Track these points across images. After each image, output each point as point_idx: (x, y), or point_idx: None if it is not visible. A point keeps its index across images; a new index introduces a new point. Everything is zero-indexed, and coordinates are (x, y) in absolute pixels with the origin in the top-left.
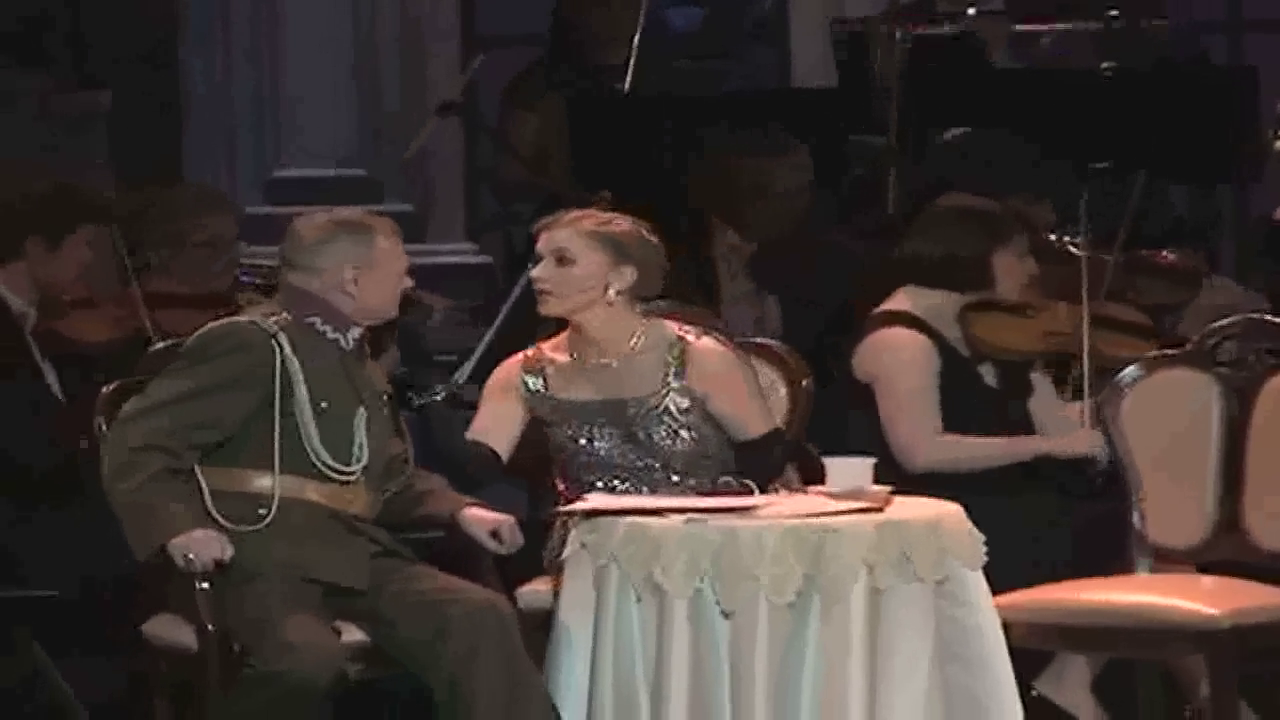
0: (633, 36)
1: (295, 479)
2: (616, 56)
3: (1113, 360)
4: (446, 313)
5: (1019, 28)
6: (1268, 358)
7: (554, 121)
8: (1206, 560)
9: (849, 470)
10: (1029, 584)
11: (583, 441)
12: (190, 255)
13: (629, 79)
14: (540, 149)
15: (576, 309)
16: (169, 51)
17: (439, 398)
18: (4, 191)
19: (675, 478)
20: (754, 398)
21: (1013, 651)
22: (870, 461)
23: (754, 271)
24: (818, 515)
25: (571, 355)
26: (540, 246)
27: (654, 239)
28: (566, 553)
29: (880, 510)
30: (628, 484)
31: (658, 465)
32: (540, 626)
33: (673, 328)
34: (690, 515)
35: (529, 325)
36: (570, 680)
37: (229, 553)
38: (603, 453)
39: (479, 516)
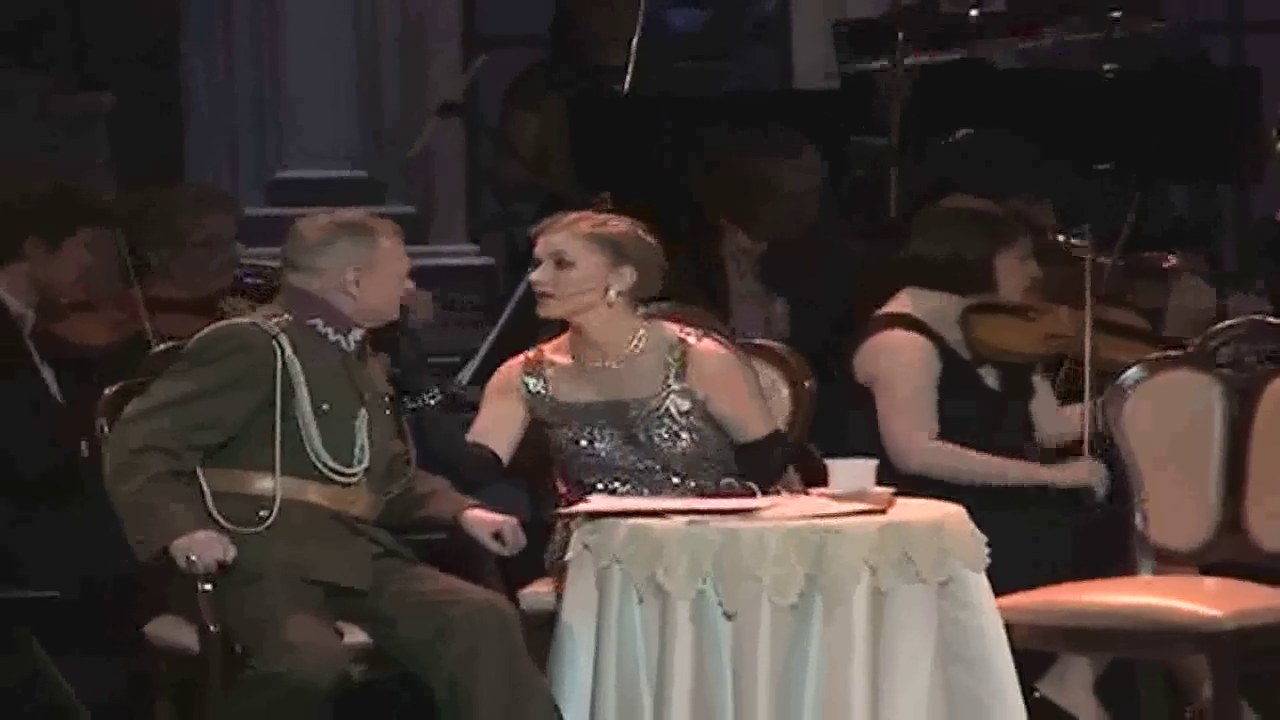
0: (633, 37)
1: (296, 480)
2: (617, 57)
3: (1112, 364)
4: (438, 312)
5: (1021, 45)
6: (1269, 359)
7: (555, 122)
8: (1209, 561)
9: (851, 472)
10: (1031, 585)
11: (583, 443)
12: (189, 255)
13: (628, 80)
14: (541, 149)
15: (577, 311)
16: (170, 52)
17: (431, 401)
18: (3, 193)
19: (675, 479)
20: (754, 399)
21: (1015, 653)
22: (873, 463)
23: (762, 272)
24: (820, 516)
25: (572, 357)
26: (539, 250)
27: (651, 239)
28: (569, 554)
29: (883, 512)
30: (628, 486)
31: (658, 467)
32: (543, 628)
33: (673, 329)
34: (692, 517)
35: (531, 327)
36: (574, 682)
37: (231, 554)
38: (603, 454)
39: (481, 518)
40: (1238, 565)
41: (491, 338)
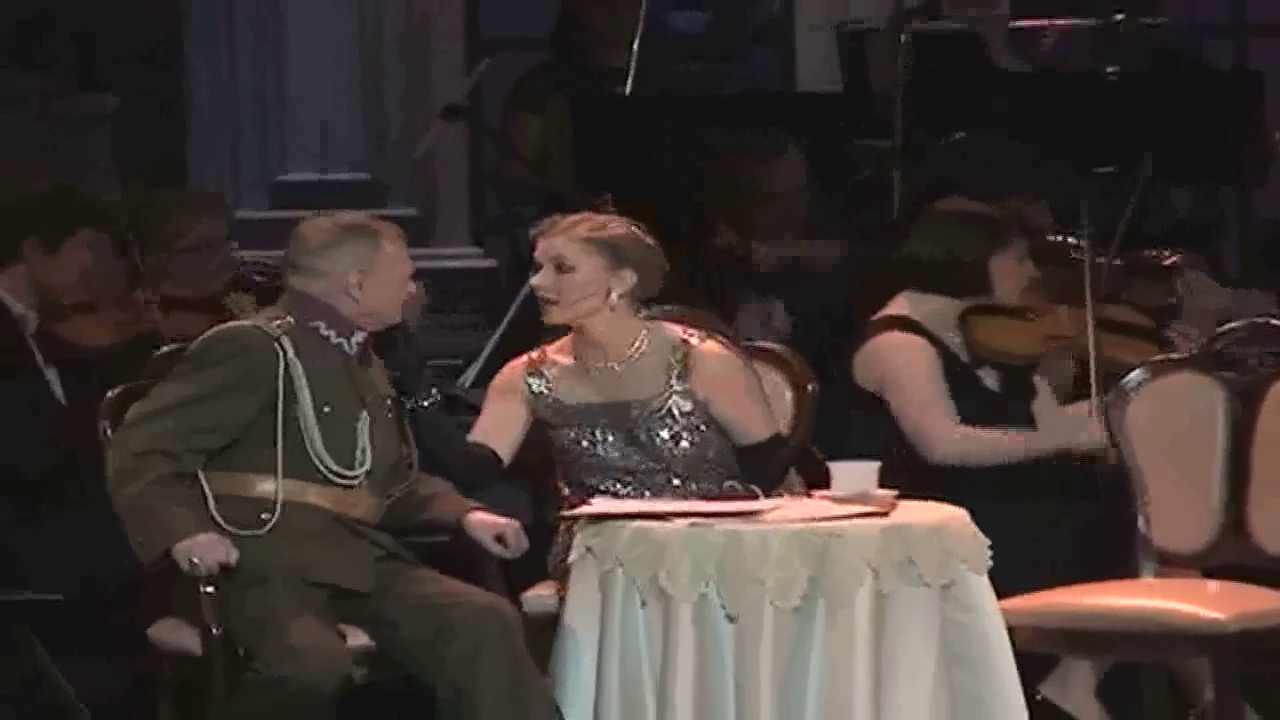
0: (638, 40)
1: (298, 483)
2: (619, 59)
3: (1113, 363)
4: (435, 315)
5: (1017, 24)
6: (1273, 361)
7: (557, 124)
8: (1211, 564)
9: (854, 474)
10: (1033, 588)
11: (585, 444)
12: (181, 259)
13: (629, 81)
14: (543, 151)
15: (580, 316)
16: (172, 53)
17: (425, 403)
18: (2, 194)
19: (676, 481)
20: (756, 401)
21: (1018, 656)
22: (875, 466)
23: (758, 274)
24: (823, 519)
25: (575, 357)
26: (539, 253)
27: (650, 240)
28: (572, 557)
29: (885, 515)
30: (630, 487)
31: (659, 468)
32: (545, 630)
33: (676, 330)
34: (695, 519)
35: (534, 329)
36: (576, 684)
37: (233, 556)
38: (605, 455)
39: (483, 521)
40: (1240, 568)
41: (494, 340)
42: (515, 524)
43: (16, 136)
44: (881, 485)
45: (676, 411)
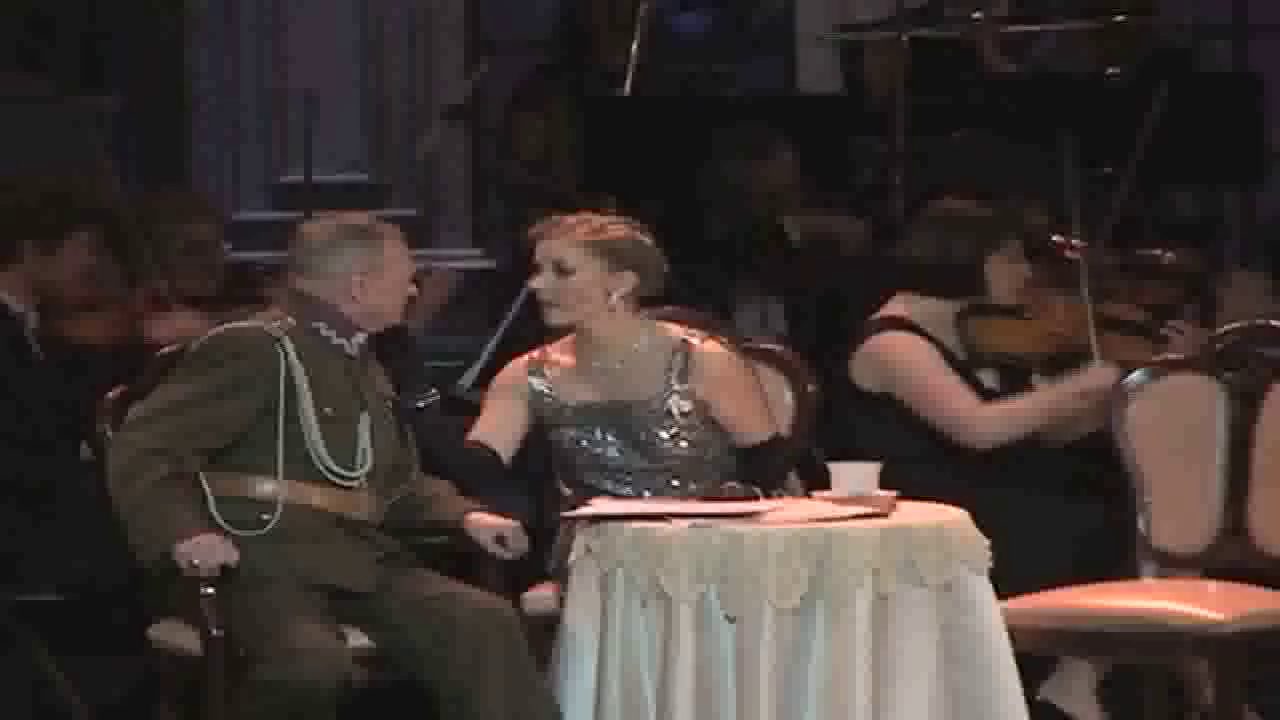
0: (639, 42)
1: (299, 484)
2: (621, 60)
3: (1115, 360)
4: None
5: (1011, 28)
6: (1273, 362)
7: (559, 125)
8: (1211, 565)
9: (854, 475)
10: (1034, 589)
11: (584, 443)
12: (171, 262)
13: (628, 83)
14: (544, 152)
15: (580, 318)
16: (174, 55)
17: (424, 404)
18: (2, 194)
19: (676, 482)
20: (756, 402)
21: (1018, 656)
22: (875, 467)
23: (757, 273)
24: (823, 520)
25: (576, 357)
26: (538, 255)
27: (649, 240)
28: (572, 558)
29: (885, 515)
30: (629, 487)
31: (659, 469)
32: (546, 631)
33: (677, 330)
34: (695, 520)
35: (534, 330)
36: (577, 685)
37: (233, 557)
38: (604, 455)
39: (484, 521)
40: (1241, 569)
41: (494, 341)
42: (515, 524)
43: (19, 136)
44: (883, 486)
45: (676, 411)
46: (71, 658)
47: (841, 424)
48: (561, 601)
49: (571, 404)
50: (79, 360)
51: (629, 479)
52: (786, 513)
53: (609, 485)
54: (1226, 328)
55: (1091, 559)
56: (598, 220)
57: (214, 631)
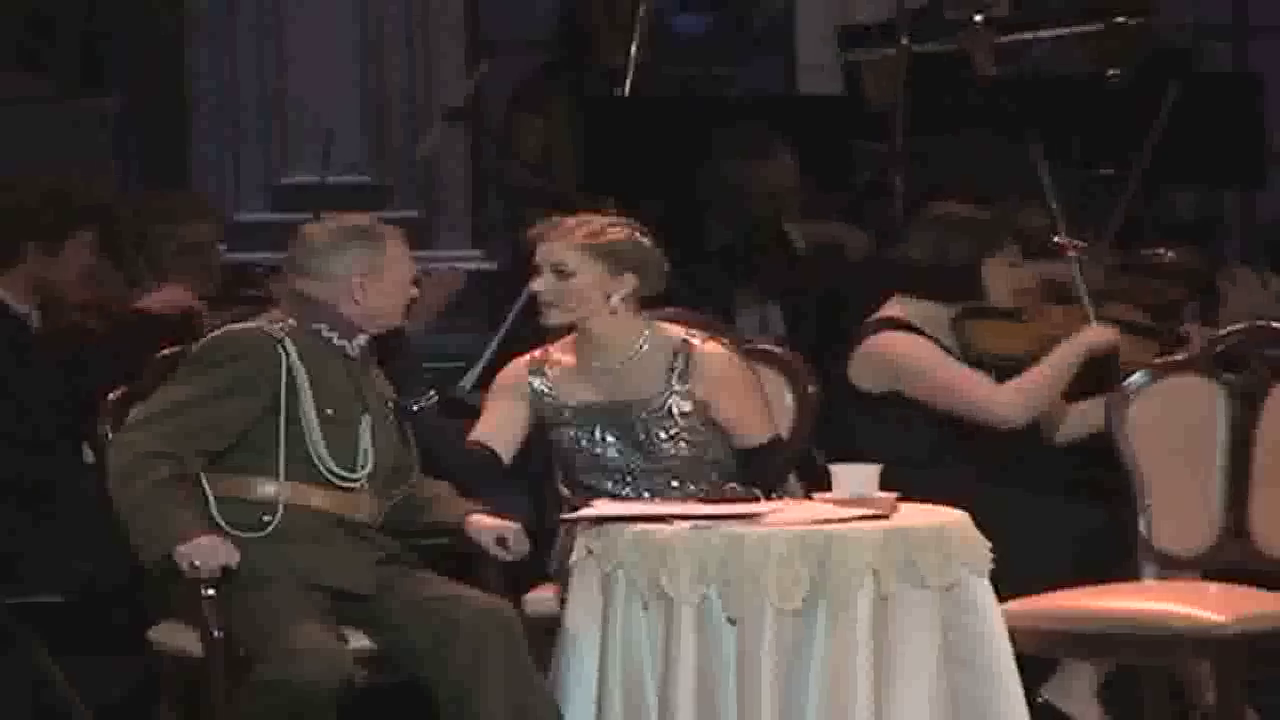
0: (638, 42)
1: (300, 485)
2: (622, 61)
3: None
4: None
5: (1007, 38)
6: (1274, 363)
7: (559, 125)
8: (1212, 567)
9: (855, 477)
10: (1032, 592)
11: (584, 443)
12: (168, 264)
13: (628, 84)
14: (545, 153)
15: (581, 319)
16: (174, 56)
17: (422, 406)
18: (3, 195)
19: (675, 482)
20: (756, 403)
21: (1019, 658)
22: (875, 468)
23: (755, 274)
24: (824, 521)
25: (577, 357)
26: (538, 258)
27: (649, 241)
28: (573, 559)
29: (886, 517)
30: (629, 488)
31: (658, 469)
32: (547, 633)
33: (678, 331)
34: (696, 522)
35: (535, 332)
36: (578, 687)
37: (234, 559)
38: (604, 455)
39: (484, 523)
40: (1241, 570)
41: (495, 343)
42: (516, 526)
43: (20, 137)
44: (884, 488)
45: (676, 412)
46: (72, 658)
47: (841, 425)
48: (562, 603)
49: (572, 404)
50: (79, 360)
51: (629, 479)
52: (787, 514)
53: (609, 485)
54: (1228, 329)
55: (1093, 560)
56: (597, 222)
57: (215, 633)
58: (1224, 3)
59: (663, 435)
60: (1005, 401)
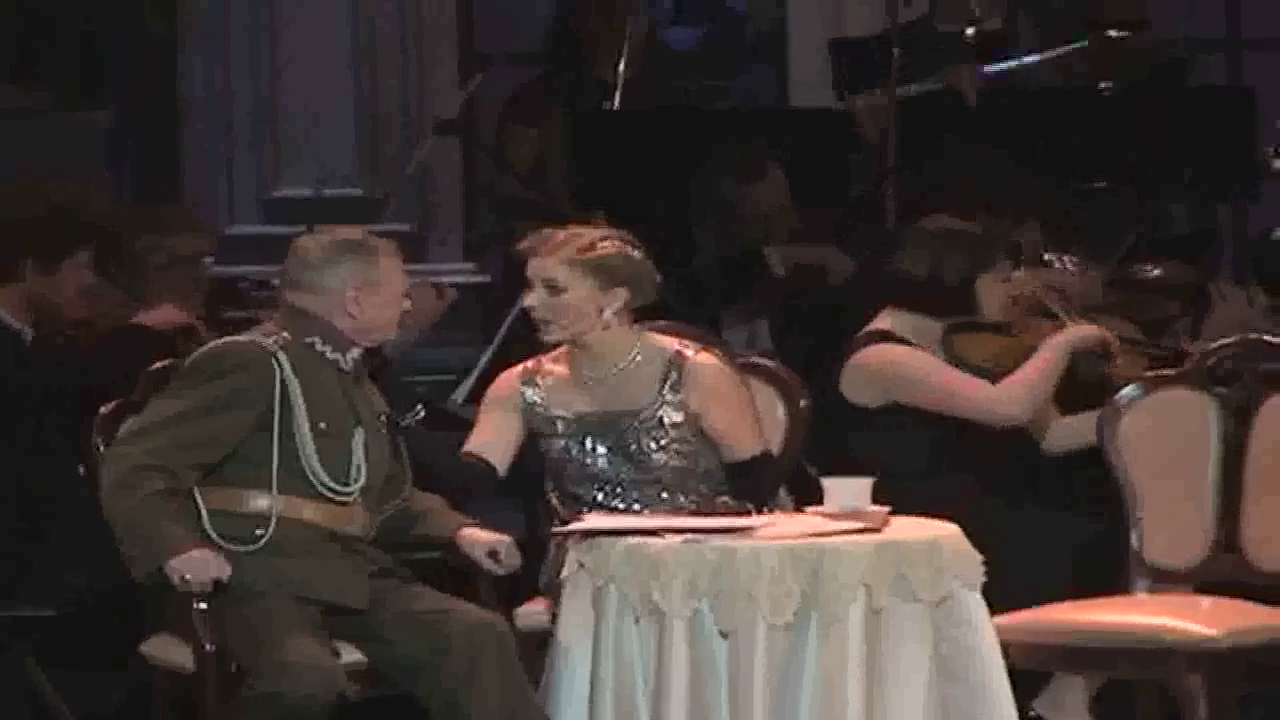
0: (632, 55)
1: (293, 499)
2: (615, 73)
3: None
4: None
5: (990, 68)
6: (1266, 376)
7: (552, 138)
8: (1204, 580)
9: (847, 490)
10: (1027, 605)
11: (575, 453)
12: (153, 277)
13: (617, 96)
14: (537, 165)
15: (576, 335)
16: (167, 69)
17: (403, 422)
18: (1, 212)
19: (665, 494)
20: (747, 416)
21: (1011, 672)
22: (868, 481)
23: (744, 289)
24: (816, 535)
25: (570, 368)
26: (529, 272)
27: (639, 254)
28: (565, 573)
29: (878, 530)
30: (618, 498)
31: (648, 480)
32: (539, 647)
33: (671, 342)
34: (688, 535)
35: (527, 345)
36: (570, 701)
37: (226, 572)
38: (594, 465)
39: (477, 537)
40: (1233, 584)
41: (487, 356)
42: (508, 539)
43: (13, 149)
44: (877, 500)
45: (667, 422)
46: (65, 671)
47: (832, 438)
48: (553, 617)
49: (562, 414)
50: (75, 376)
51: (618, 490)
52: (779, 528)
53: (598, 496)
54: (1219, 343)
55: (1088, 573)
56: (588, 237)
57: (207, 646)
58: (1217, 16)
59: (653, 445)
60: (1006, 399)
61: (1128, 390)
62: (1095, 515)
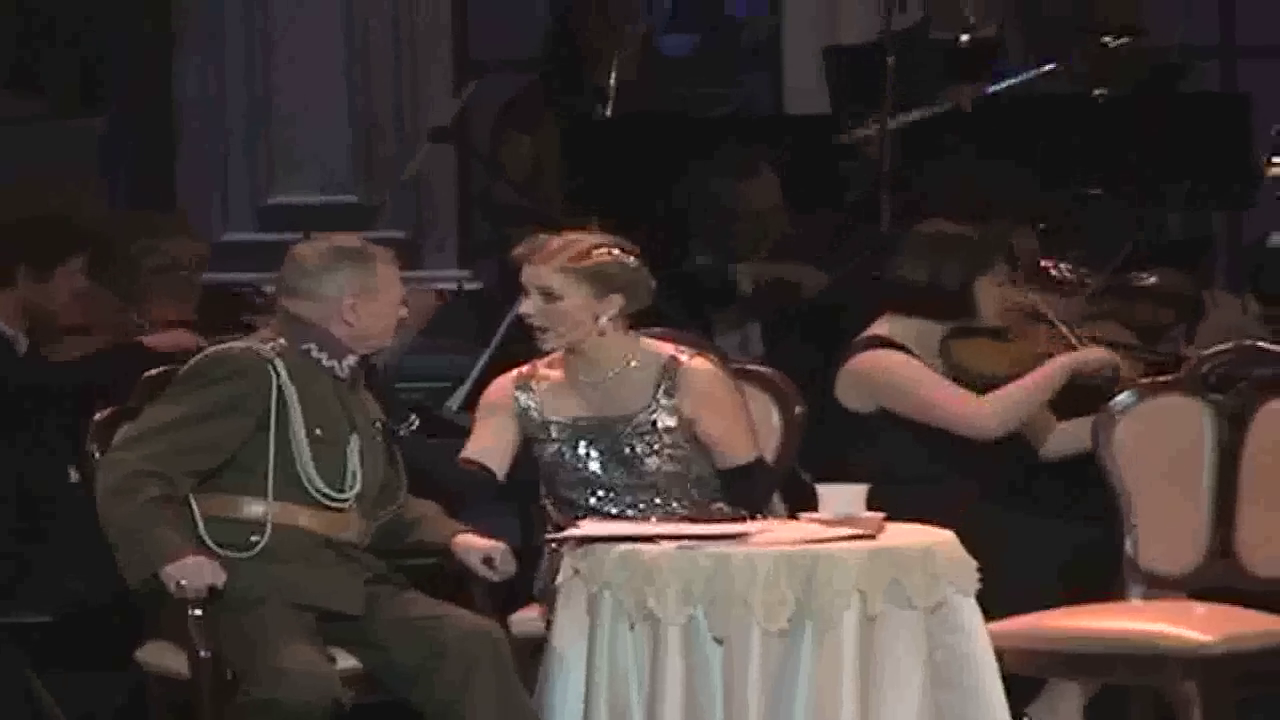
0: (628, 61)
1: (289, 505)
2: (610, 79)
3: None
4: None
5: (989, 89)
6: (1260, 383)
7: (547, 144)
8: (1199, 587)
9: (841, 497)
10: (1022, 610)
11: (567, 458)
12: (145, 281)
13: (610, 103)
14: (532, 172)
15: (572, 342)
16: (161, 77)
17: (399, 431)
18: None
19: (658, 499)
20: (740, 422)
21: (1005, 678)
22: (863, 488)
23: (736, 293)
24: (810, 541)
25: (565, 373)
26: (524, 279)
27: (634, 260)
28: (559, 579)
29: (873, 537)
30: (610, 503)
31: (641, 485)
32: (534, 654)
33: (667, 348)
34: (683, 542)
35: (523, 352)
36: (565, 707)
37: (221, 579)
38: (586, 470)
39: (471, 543)
40: (1228, 590)
41: (482, 362)
42: (503, 546)
43: (6, 156)
44: (872, 507)
45: (660, 426)
46: (61, 676)
47: (827, 444)
48: (548, 624)
49: (556, 418)
50: (69, 382)
51: (611, 494)
52: (774, 534)
53: (591, 500)
54: (1214, 349)
55: (1084, 578)
56: (582, 243)
57: (202, 653)
58: (1212, 23)
59: (646, 450)
60: (980, 413)
61: (1123, 396)
62: (1091, 521)
